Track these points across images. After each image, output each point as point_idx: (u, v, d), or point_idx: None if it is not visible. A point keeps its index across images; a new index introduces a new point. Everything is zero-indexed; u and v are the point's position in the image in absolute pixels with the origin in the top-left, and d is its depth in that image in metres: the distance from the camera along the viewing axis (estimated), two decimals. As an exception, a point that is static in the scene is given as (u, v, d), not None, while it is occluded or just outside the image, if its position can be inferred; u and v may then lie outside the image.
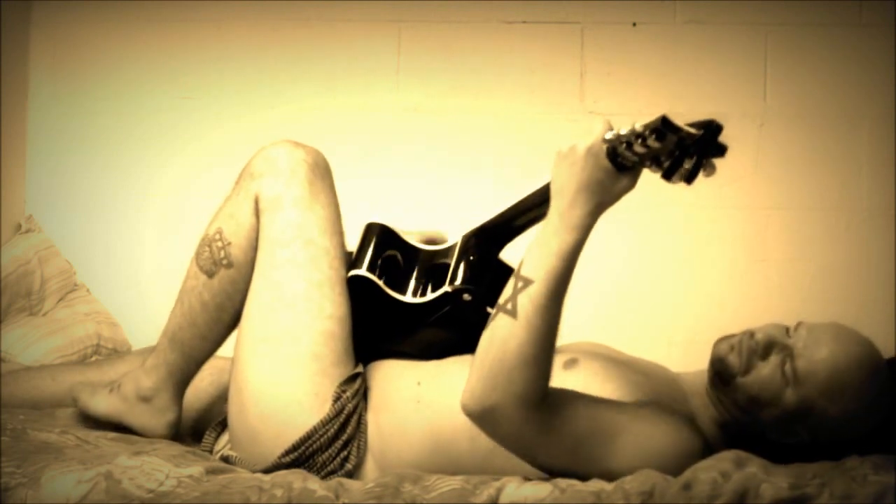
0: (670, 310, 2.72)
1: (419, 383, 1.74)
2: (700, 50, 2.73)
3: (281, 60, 2.84)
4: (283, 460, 1.73)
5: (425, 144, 2.80)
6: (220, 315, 1.84)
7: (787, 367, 1.64)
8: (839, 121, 2.69)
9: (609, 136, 1.52)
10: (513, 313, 1.53)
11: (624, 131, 1.49)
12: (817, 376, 1.63)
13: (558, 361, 1.78)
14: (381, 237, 1.86)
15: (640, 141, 1.46)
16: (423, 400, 1.70)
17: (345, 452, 1.74)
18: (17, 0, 2.82)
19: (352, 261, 1.85)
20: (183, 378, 1.89)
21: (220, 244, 1.82)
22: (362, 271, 1.82)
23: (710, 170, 1.47)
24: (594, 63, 2.75)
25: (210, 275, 1.82)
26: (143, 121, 2.88)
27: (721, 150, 1.48)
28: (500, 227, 1.81)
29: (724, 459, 1.57)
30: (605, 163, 1.51)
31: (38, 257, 2.72)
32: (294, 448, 1.73)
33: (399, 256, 1.85)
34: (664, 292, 2.72)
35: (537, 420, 1.55)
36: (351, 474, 1.73)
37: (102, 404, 1.91)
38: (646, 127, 1.46)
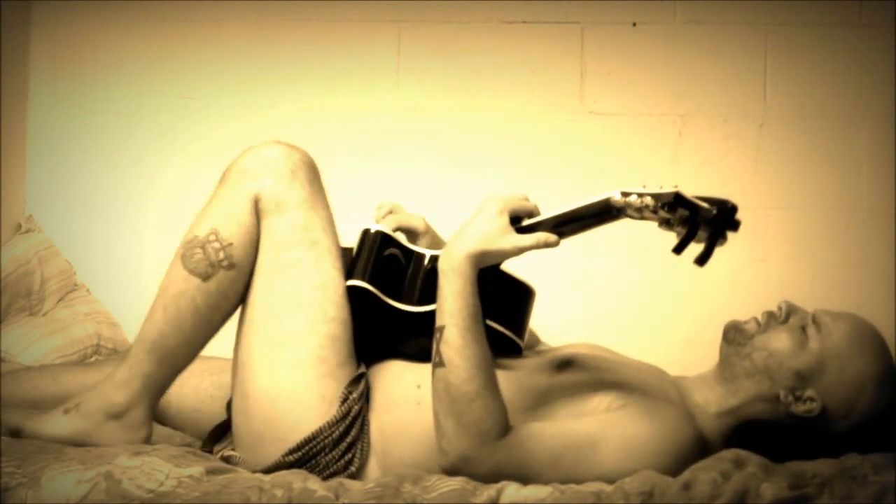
0: (670, 310, 2.72)
1: (419, 386, 1.75)
2: (700, 50, 2.73)
3: (281, 60, 2.84)
4: (287, 459, 1.73)
5: (425, 144, 2.80)
6: (212, 318, 1.79)
7: (810, 327, 1.76)
8: (839, 121, 2.69)
9: (618, 200, 1.54)
10: (441, 364, 1.63)
11: (635, 198, 1.50)
12: (838, 331, 1.75)
13: (552, 364, 1.80)
14: (378, 242, 1.84)
15: (649, 209, 1.48)
16: (424, 402, 1.70)
17: (349, 455, 1.74)
18: (17, 0, 2.82)
19: (349, 269, 1.83)
20: (160, 390, 1.81)
21: (217, 245, 1.79)
22: (360, 281, 1.80)
23: (722, 241, 1.51)
24: (594, 63, 2.75)
25: (205, 277, 1.78)
26: (143, 121, 2.88)
27: (735, 226, 1.51)
28: None
29: (724, 459, 1.57)
30: (503, 219, 1.65)
31: (38, 257, 2.72)
32: (298, 448, 1.73)
33: (401, 255, 1.84)
34: (664, 292, 2.72)
35: (508, 450, 1.61)
36: (354, 476, 1.73)
37: (59, 427, 1.77)
38: (658, 199, 1.49)
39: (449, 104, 2.80)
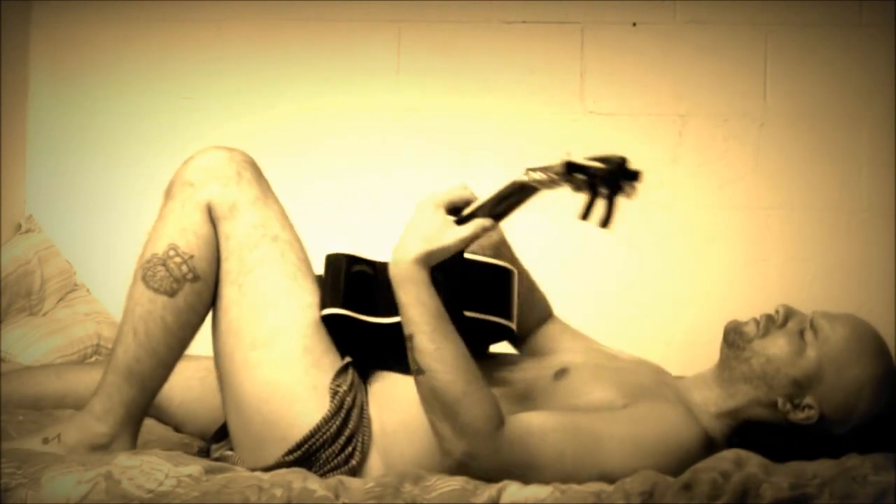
0: (670, 310, 2.72)
1: (420, 384, 1.75)
2: (700, 50, 2.73)
3: (281, 60, 2.84)
4: (287, 458, 1.72)
5: (425, 144, 2.80)
6: (183, 335, 1.77)
7: (808, 332, 1.75)
8: (839, 121, 2.69)
9: (526, 181, 1.57)
10: (420, 371, 1.62)
11: (538, 174, 1.53)
12: (836, 335, 1.74)
13: (549, 372, 1.80)
14: (344, 263, 1.83)
15: (554, 182, 1.51)
16: (425, 401, 1.70)
17: (349, 448, 1.74)
18: (17, 0, 2.82)
19: (321, 298, 1.82)
20: (142, 415, 1.77)
21: (178, 259, 1.77)
22: (335, 309, 1.79)
23: (630, 194, 1.50)
24: (594, 63, 2.75)
25: (172, 294, 1.75)
26: (143, 121, 2.88)
27: (633, 177, 1.49)
28: None
29: (724, 459, 1.57)
30: (440, 215, 1.63)
31: (38, 257, 2.72)
32: (298, 446, 1.73)
33: (369, 269, 1.83)
34: (664, 292, 2.72)
35: (510, 445, 1.60)
36: (355, 470, 1.73)
37: None
38: (550, 173, 1.50)
39: (449, 104, 2.80)
